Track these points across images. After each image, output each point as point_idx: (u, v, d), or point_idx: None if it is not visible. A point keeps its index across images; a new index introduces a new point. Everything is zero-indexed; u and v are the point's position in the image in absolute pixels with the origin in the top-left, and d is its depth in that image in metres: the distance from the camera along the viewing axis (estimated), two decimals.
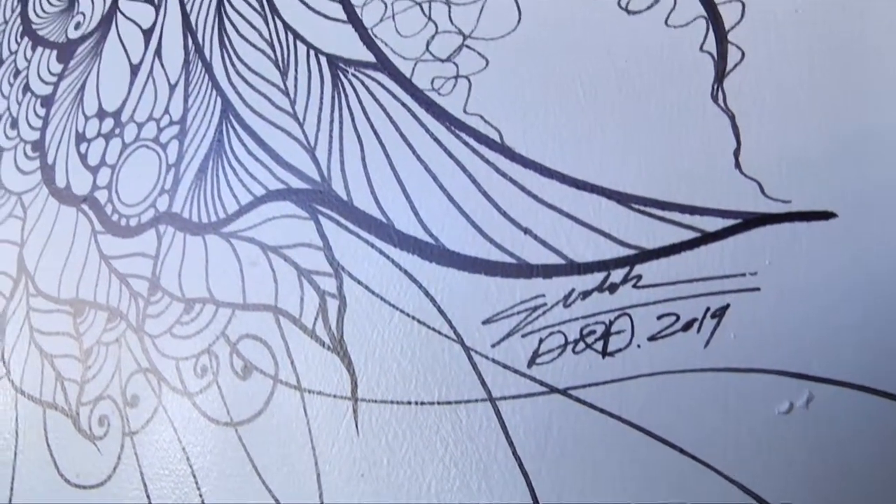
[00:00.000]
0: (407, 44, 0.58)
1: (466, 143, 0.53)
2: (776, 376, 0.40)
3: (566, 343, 0.46)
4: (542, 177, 0.49)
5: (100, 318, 0.69)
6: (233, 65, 0.68)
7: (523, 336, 0.48)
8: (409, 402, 0.51)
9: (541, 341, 0.47)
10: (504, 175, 0.50)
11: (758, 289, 0.42)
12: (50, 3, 0.87)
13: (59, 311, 0.73)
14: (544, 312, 0.47)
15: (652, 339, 0.44)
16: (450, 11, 0.57)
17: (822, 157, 0.42)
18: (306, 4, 0.65)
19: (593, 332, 0.46)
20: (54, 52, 0.83)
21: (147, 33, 0.75)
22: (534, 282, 0.48)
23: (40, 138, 0.82)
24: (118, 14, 0.79)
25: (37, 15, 0.87)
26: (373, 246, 0.55)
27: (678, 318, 0.43)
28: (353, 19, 0.62)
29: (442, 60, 0.56)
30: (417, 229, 0.53)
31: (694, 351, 0.43)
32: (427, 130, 0.55)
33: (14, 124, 0.85)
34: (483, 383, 0.48)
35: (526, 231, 0.49)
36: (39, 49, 0.85)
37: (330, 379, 0.54)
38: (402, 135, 0.56)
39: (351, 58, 0.61)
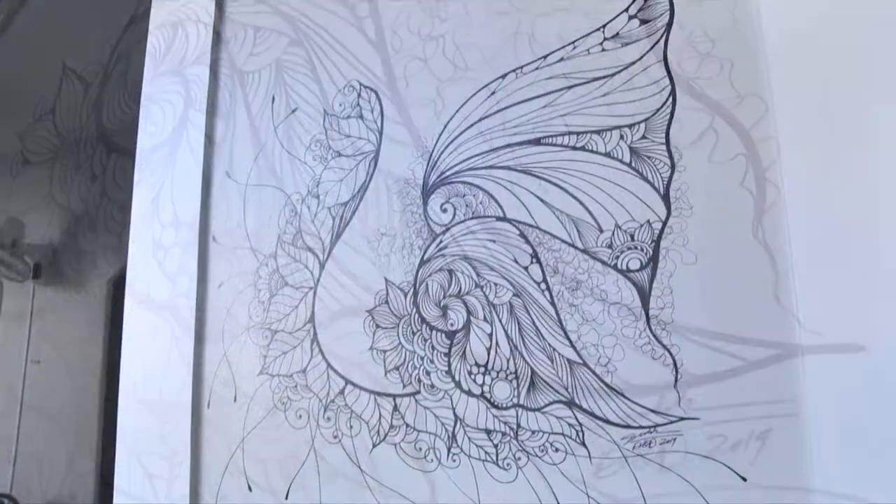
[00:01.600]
0: None
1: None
2: (817, 494, 0.50)
3: (626, 458, 0.58)
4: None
5: (184, 419, 0.81)
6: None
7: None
8: None
9: (603, 456, 0.58)
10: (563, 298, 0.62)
11: (796, 414, 0.52)
12: (122, 111, 0.97)
13: (143, 410, 0.84)
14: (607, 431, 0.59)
15: (704, 457, 0.54)
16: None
17: (853, 293, 0.50)
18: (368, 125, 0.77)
19: (651, 449, 0.57)
20: (129, 160, 0.94)
21: (218, 146, 0.85)
22: None
23: (119, 243, 0.93)
24: (189, 125, 0.88)
25: (110, 121, 0.98)
26: None
27: (726, 438, 0.53)
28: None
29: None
30: None
31: (741, 469, 0.53)
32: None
33: (93, 227, 0.96)
34: (553, 492, 0.60)
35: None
36: (114, 155, 0.96)
37: None
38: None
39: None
